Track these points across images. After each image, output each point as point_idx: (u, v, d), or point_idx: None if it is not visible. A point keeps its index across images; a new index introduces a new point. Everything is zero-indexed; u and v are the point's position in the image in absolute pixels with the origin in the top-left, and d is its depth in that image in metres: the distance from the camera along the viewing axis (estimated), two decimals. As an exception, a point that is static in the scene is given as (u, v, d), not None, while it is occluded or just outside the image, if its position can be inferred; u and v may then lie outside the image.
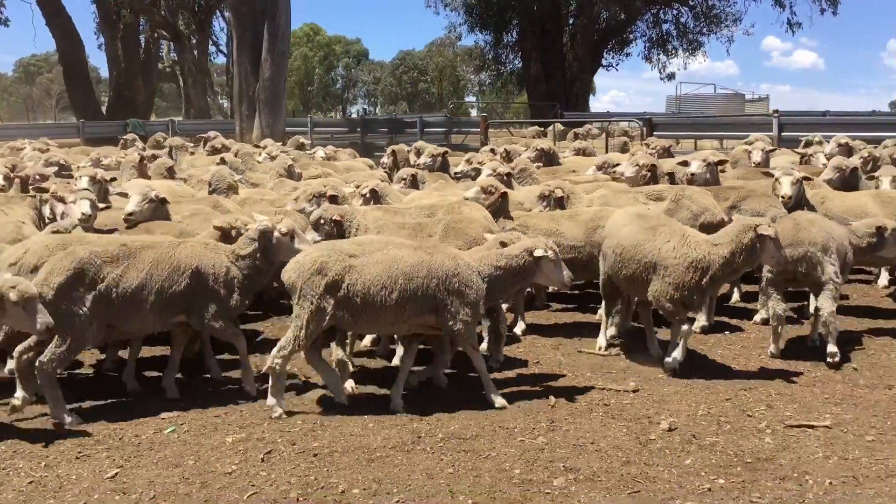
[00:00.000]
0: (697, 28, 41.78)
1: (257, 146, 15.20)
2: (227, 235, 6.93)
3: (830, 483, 4.95)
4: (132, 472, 5.19)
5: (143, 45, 39.76)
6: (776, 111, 20.33)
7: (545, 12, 39.69)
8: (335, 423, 5.92)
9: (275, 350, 6.08)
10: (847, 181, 9.42)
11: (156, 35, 40.02)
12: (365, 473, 5.12)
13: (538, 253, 6.27)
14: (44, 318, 5.42)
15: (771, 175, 8.64)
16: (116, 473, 5.15)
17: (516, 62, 45.29)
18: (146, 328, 6.36)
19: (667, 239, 6.78)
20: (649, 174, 9.49)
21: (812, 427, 5.81)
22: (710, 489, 4.90)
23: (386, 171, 12.62)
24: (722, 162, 9.71)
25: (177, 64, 48.26)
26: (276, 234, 6.47)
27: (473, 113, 62.24)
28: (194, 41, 41.55)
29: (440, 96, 78.40)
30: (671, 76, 46.32)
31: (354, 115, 71.31)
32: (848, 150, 11.83)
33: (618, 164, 10.13)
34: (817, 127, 16.62)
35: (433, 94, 79.59)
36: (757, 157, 11.68)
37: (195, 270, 6.24)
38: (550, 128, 21.34)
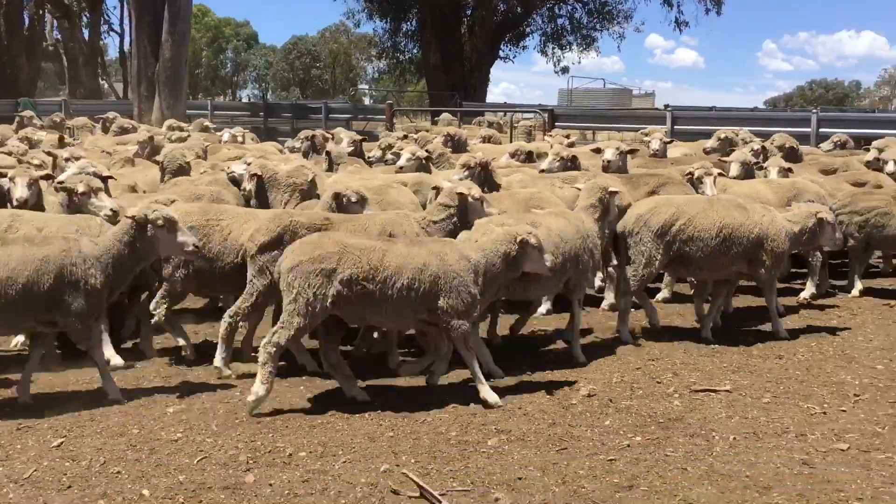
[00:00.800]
0: (591, 24, 43.19)
1: (172, 128, 15.03)
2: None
3: (734, 438, 5.50)
4: (77, 441, 5.29)
5: (27, 21, 38.11)
6: (667, 105, 21.35)
7: (445, 3, 40.09)
8: (275, 394, 6.12)
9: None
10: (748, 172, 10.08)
11: (41, 11, 38.39)
12: (309, 438, 5.38)
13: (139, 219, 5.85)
14: (191, 238, 5.95)
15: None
16: (62, 443, 5.24)
17: (415, 51, 45.66)
18: None
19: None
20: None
21: (715, 391, 6.38)
22: (628, 445, 5.37)
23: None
24: (633, 151, 10.28)
25: (60, 42, 46.47)
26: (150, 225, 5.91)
27: (367, 101, 62.27)
28: (85, 20, 40.09)
29: (333, 83, 77.87)
30: (565, 70, 47.60)
31: (246, 100, 70.17)
32: (729, 143, 12.65)
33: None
34: (706, 121, 17.62)
35: (326, 80, 78.84)
36: (655, 145, 12.39)
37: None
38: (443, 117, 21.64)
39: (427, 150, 10.10)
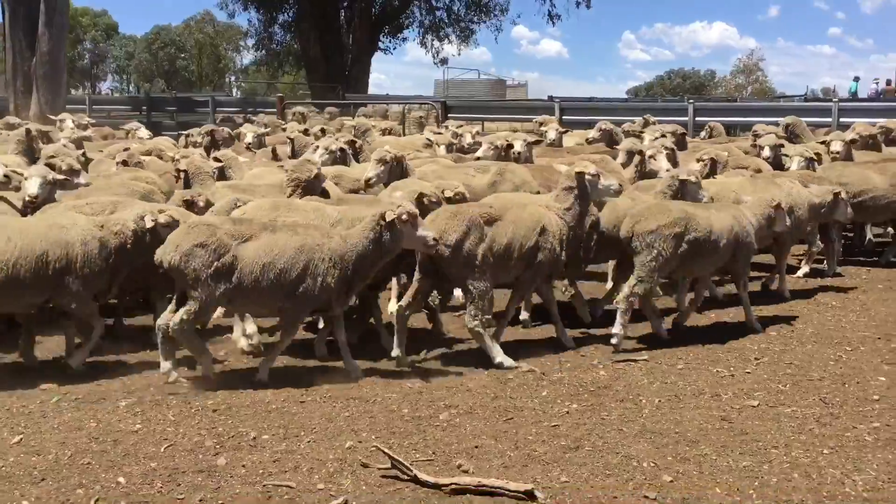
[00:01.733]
0: (468, 17, 44.03)
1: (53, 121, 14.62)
2: None
3: (659, 401, 6.06)
4: (37, 437, 5.33)
5: None
6: (550, 97, 22.17)
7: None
8: (221, 383, 6.29)
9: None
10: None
11: None
12: (269, 422, 5.59)
13: (389, 216, 6.22)
14: (430, 232, 6.27)
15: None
16: (21, 439, 5.28)
17: (292, 42, 45.28)
18: None
19: None
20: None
21: (635, 361, 6.94)
22: (567, 412, 5.84)
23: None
24: (538, 142, 10.81)
25: None
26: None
27: (236, 92, 61.11)
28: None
29: (200, 74, 76.08)
30: (444, 61, 48.46)
31: (106, 93, 67.41)
32: (610, 135, 13.38)
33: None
34: (591, 111, 18.48)
35: (193, 71, 76.82)
36: (552, 135, 13.02)
37: None
38: (329, 110, 21.75)
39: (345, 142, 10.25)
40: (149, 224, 6.55)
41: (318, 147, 9.87)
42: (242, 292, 6.07)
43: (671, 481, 4.81)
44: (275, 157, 11.63)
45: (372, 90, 43.42)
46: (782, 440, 5.40)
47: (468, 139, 11.76)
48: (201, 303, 5.98)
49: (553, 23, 42.97)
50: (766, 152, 11.12)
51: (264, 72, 60.31)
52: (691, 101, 18.42)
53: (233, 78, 79.27)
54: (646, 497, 4.62)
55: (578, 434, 5.46)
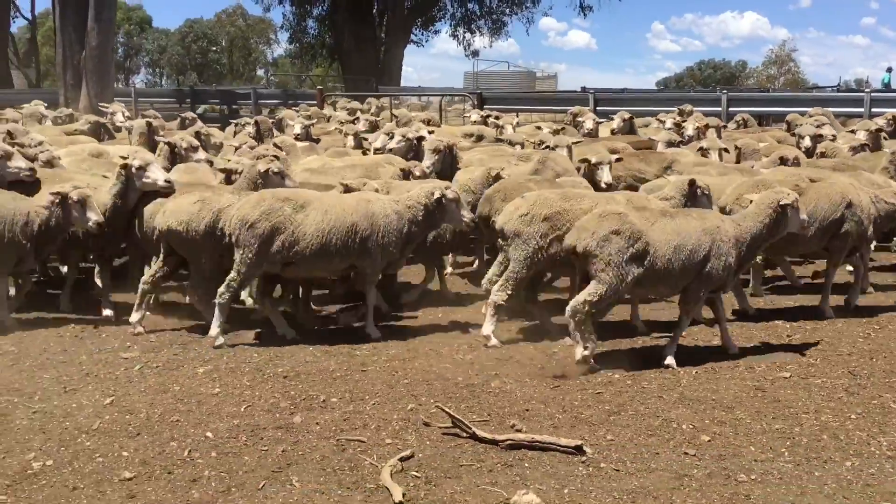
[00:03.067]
0: (500, 9, 44.35)
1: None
2: None
3: (696, 372, 6.48)
4: (126, 398, 5.87)
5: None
6: (583, 88, 22.48)
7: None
8: (287, 353, 6.82)
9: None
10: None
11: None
12: (335, 387, 6.10)
13: (438, 194, 7.17)
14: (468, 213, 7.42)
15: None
16: (112, 400, 5.82)
17: (326, 35, 45.85)
18: None
19: None
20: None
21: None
22: (610, 381, 6.28)
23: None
24: (563, 129, 11.22)
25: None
26: None
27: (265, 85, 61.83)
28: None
29: (231, 67, 76.92)
30: (475, 53, 48.83)
31: (141, 85, 68.41)
32: (630, 125, 13.77)
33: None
34: (624, 102, 18.79)
35: (224, 65, 77.67)
36: (589, 125, 13.41)
37: None
38: (369, 101, 22.28)
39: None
40: (436, 197, 7.26)
41: (393, 135, 10.36)
42: (654, 275, 6.46)
43: (709, 441, 5.24)
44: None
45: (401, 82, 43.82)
46: (812, 406, 5.81)
47: (509, 130, 12.16)
48: (609, 287, 6.31)
49: (584, 14, 43.21)
50: (807, 142, 11.40)
51: (294, 65, 61.14)
52: (724, 91, 18.70)
53: (262, 71, 79.99)
54: (685, 454, 5.05)
55: (621, 400, 5.90)
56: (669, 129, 12.06)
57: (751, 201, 7.00)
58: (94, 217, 7.22)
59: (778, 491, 4.60)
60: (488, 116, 13.94)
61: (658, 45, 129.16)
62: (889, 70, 37.09)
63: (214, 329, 6.99)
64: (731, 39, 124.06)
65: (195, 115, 16.68)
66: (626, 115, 13.62)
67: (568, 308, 6.35)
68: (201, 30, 77.05)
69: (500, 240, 7.33)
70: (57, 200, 7.21)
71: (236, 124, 14.86)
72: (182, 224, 7.15)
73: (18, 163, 7.89)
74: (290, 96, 23.95)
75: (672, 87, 70.70)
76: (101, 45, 21.22)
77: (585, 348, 6.36)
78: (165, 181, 7.66)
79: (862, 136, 10.91)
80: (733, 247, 6.66)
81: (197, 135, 10.53)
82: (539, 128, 12.91)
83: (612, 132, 13.37)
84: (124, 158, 7.68)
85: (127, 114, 16.11)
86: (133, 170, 7.57)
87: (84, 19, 21.12)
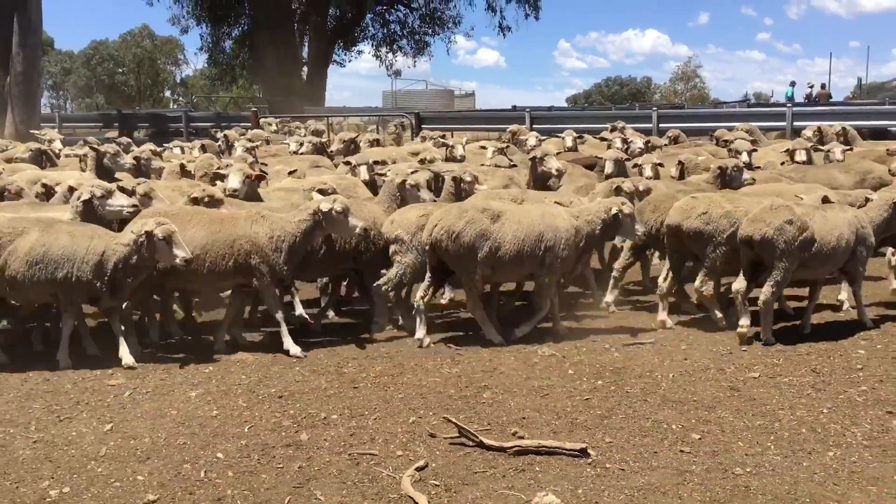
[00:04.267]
0: (423, 29, 44.85)
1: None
2: None
3: (672, 376, 6.82)
4: (125, 424, 5.87)
5: None
6: (514, 107, 22.97)
7: (277, 7, 40.23)
8: (276, 374, 6.91)
9: None
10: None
11: None
12: (332, 405, 6.21)
13: (324, 207, 7.46)
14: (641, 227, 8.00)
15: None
16: (111, 427, 5.81)
17: (245, 57, 45.45)
18: None
19: None
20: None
21: (642, 344, 7.71)
22: (594, 388, 6.56)
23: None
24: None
25: None
26: None
27: (172, 107, 61.05)
28: None
29: (139, 89, 75.61)
30: (398, 73, 49.33)
31: (45, 109, 66.44)
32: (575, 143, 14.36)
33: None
34: (559, 120, 19.35)
35: (132, 86, 76.24)
36: (532, 142, 13.81)
37: None
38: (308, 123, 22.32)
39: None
40: (614, 213, 7.84)
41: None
42: (817, 259, 7.56)
43: (699, 439, 5.56)
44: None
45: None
46: (786, 403, 6.20)
47: (459, 150, 12.42)
48: (787, 271, 7.47)
49: (504, 35, 44.08)
50: (745, 157, 11.96)
51: (208, 85, 60.39)
52: (655, 108, 19.41)
53: (169, 92, 78.85)
54: (682, 451, 5.36)
55: (609, 405, 6.19)
56: (619, 147, 12.48)
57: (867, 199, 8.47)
58: (181, 254, 6.95)
59: (773, 481, 4.94)
60: (443, 136, 14.16)
61: (565, 63, 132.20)
62: (792, 84, 38.93)
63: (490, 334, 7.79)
64: (634, 56, 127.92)
65: (129, 140, 16.48)
66: (575, 134, 14.06)
67: (761, 301, 7.55)
68: (107, 51, 75.42)
69: (670, 243, 8.26)
70: (141, 238, 6.93)
71: (170, 148, 14.74)
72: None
73: (120, 200, 7.72)
74: (222, 119, 23.76)
75: (582, 103, 72.43)
76: (27, 70, 20.75)
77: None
78: (131, 206, 7.70)
79: (802, 156, 11.62)
80: (870, 234, 7.95)
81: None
82: (483, 147, 13.25)
83: (567, 149, 13.77)
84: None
85: (60, 140, 15.82)
86: (95, 201, 7.57)
87: (8, 44, 20.63)
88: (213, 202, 8.20)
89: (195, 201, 8.16)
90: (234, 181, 8.89)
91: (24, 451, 5.44)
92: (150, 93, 76.81)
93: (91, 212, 7.55)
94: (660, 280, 8.52)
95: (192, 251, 7.05)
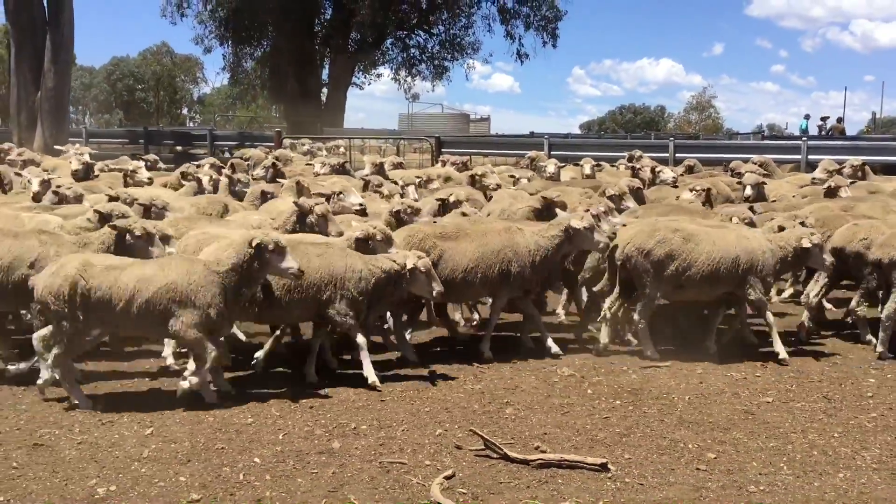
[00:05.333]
0: (441, 54, 45.39)
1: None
2: None
3: (688, 398, 7.05)
4: (165, 429, 6.15)
5: None
6: (532, 133, 23.31)
7: (300, 28, 40.87)
8: (307, 387, 7.16)
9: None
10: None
11: None
12: (362, 416, 6.48)
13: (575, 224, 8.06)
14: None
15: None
16: (152, 431, 6.09)
17: (266, 77, 46.06)
18: None
19: None
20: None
21: (659, 367, 7.95)
22: (613, 407, 6.81)
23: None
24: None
25: None
26: None
27: (191, 125, 61.87)
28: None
29: (158, 106, 76.56)
30: (416, 97, 50.00)
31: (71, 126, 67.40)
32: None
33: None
34: (577, 148, 19.67)
35: (150, 103, 77.23)
36: (552, 169, 14.12)
37: None
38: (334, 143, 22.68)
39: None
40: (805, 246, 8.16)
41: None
42: None
43: (715, 458, 5.79)
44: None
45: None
46: (799, 427, 6.43)
47: (493, 179, 12.70)
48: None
49: (521, 62, 44.47)
50: (748, 191, 12.21)
51: (230, 103, 61.15)
52: (672, 138, 19.73)
53: (185, 110, 79.82)
54: (698, 469, 5.59)
55: (628, 424, 6.43)
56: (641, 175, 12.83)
57: None
58: (437, 287, 7.36)
59: (786, 499, 5.17)
60: (465, 162, 14.49)
61: (579, 90, 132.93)
62: (807, 117, 39.13)
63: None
64: (647, 85, 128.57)
65: (156, 157, 16.86)
66: (593, 162, 14.37)
67: (884, 317, 8.20)
68: (127, 68, 76.45)
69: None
70: (405, 272, 7.23)
71: (198, 165, 15.08)
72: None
73: (352, 199, 9.02)
74: (245, 138, 24.20)
75: (596, 130, 72.77)
76: (58, 86, 21.27)
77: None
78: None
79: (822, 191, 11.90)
80: None
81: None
82: (512, 176, 13.58)
83: (585, 177, 14.05)
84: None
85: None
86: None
87: (40, 60, 21.16)
88: (415, 213, 8.94)
89: (397, 216, 8.86)
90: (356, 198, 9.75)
91: (70, 451, 5.72)
92: (168, 110, 77.80)
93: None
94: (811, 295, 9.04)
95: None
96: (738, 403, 6.97)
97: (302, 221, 8.46)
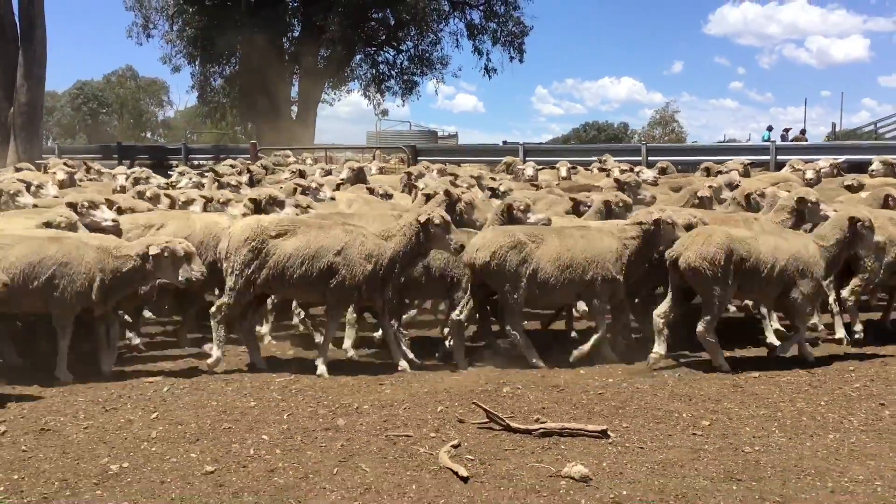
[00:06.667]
0: (410, 70, 45.73)
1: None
2: None
3: (678, 375, 7.26)
4: (170, 413, 6.22)
5: None
6: (504, 142, 23.60)
7: (268, 46, 40.91)
8: (306, 375, 7.26)
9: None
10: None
11: None
12: (363, 397, 6.60)
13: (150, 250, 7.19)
14: None
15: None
16: (157, 415, 6.16)
17: (235, 95, 46.01)
18: None
19: None
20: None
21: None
22: (607, 384, 6.99)
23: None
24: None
25: None
26: None
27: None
28: None
29: (123, 129, 75.96)
30: (385, 112, 50.21)
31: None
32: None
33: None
34: (552, 153, 19.99)
35: (115, 126, 76.60)
36: (530, 172, 14.35)
37: None
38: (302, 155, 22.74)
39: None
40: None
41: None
42: None
43: (709, 425, 5.99)
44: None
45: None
46: (787, 397, 6.66)
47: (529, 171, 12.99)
48: None
49: (489, 76, 44.83)
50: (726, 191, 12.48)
51: (201, 122, 60.88)
52: (644, 142, 20.08)
53: (149, 134, 79.27)
54: (694, 434, 5.79)
55: (622, 398, 6.62)
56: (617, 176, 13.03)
57: None
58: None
59: (781, 458, 5.37)
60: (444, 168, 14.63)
61: (542, 109, 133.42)
62: (769, 129, 39.89)
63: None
64: (609, 103, 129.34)
65: (150, 172, 16.82)
66: (569, 164, 14.62)
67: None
68: (91, 91, 75.86)
69: None
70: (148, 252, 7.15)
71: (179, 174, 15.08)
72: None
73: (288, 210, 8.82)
74: (221, 150, 24.18)
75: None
76: (31, 101, 21.19)
77: None
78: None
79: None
80: None
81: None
82: (494, 179, 13.75)
83: (562, 179, 14.27)
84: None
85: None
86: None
87: (13, 75, 21.07)
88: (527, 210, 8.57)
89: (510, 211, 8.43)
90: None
91: (78, 434, 5.78)
92: (133, 133, 77.25)
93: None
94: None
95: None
96: (726, 378, 7.19)
97: (451, 210, 8.51)
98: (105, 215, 8.25)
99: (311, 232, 7.42)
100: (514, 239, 7.51)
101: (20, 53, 20.92)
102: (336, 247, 7.33)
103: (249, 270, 7.31)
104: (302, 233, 7.40)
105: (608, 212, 9.18)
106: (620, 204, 9.17)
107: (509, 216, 8.37)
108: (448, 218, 7.54)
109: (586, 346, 7.68)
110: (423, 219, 7.38)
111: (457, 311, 7.80)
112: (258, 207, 8.78)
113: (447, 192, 8.84)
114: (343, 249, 7.32)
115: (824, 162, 13.26)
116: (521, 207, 8.40)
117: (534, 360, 7.55)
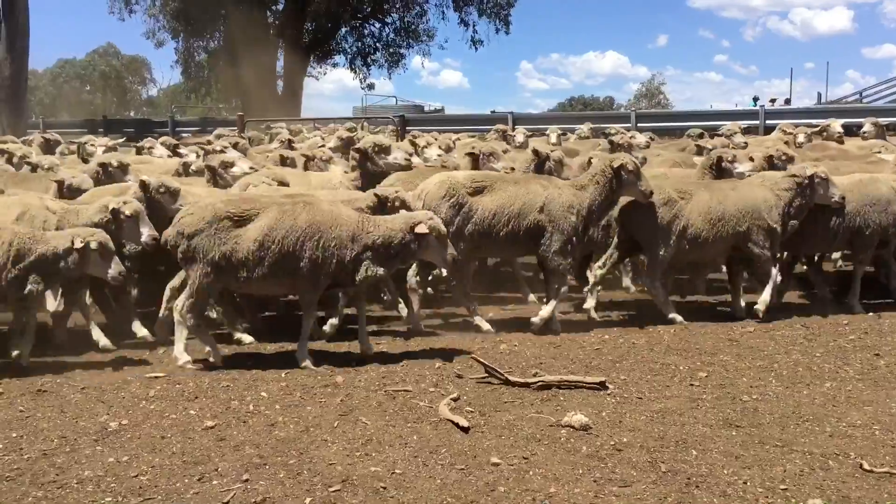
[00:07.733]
0: (397, 42, 45.43)
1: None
2: None
3: (674, 331, 7.29)
4: (171, 376, 6.20)
5: None
6: (493, 111, 23.50)
7: (253, 19, 40.50)
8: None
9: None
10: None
11: None
12: (359, 354, 6.59)
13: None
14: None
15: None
16: (154, 376, 6.14)
17: (219, 69, 45.61)
18: None
19: None
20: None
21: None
22: (603, 340, 7.01)
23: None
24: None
25: None
26: None
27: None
28: None
29: (105, 107, 75.26)
30: (371, 86, 49.77)
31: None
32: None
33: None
34: (540, 121, 19.92)
35: (98, 105, 75.87)
36: (520, 139, 14.31)
37: None
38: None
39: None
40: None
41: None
42: None
43: (706, 376, 6.02)
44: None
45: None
46: (782, 350, 6.70)
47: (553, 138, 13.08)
48: None
49: (476, 48, 44.51)
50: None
51: (184, 98, 60.35)
52: (633, 109, 20.04)
53: (133, 112, 78.59)
54: (692, 385, 5.82)
55: (619, 353, 6.65)
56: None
57: None
58: (148, 231, 6.76)
59: (779, 405, 5.41)
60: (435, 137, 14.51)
61: (528, 84, 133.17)
62: (755, 99, 40.04)
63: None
64: (594, 77, 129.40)
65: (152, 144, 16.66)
66: (559, 131, 14.59)
67: None
68: (73, 70, 75.09)
69: None
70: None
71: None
72: None
73: (397, 154, 8.89)
74: (208, 123, 23.99)
75: (548, 122, 73.31)
76: (15, 74, 20.94)
77: None
78: None
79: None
80: None
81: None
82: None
83: (552, 145, 14.21)
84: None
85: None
86: None
87: (-5, 49, 20.83)
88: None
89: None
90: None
91: (75, 395, 5.75)
92: (116, 112, 76.62)
93: None
94: None
95: None
96: (722, 332, 7.24)
97: (539, 168, 8.81)
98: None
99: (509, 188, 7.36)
100: (665, 195, 7.55)
101: (2, 26, 20.63)
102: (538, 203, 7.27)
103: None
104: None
105: (771, 167, 8.97)
106: (783, 157, 9.09)
107: (718, 168, 8.59)
108: (638, 164, 7.50)
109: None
110: (616, 164, 7.30)
111: (599, 263, 7.96)
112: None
113: (535, 151, 9.00)
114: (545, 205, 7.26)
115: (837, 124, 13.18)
116: (730, 158, 8.67)
117: (671, 315, 7.60)
